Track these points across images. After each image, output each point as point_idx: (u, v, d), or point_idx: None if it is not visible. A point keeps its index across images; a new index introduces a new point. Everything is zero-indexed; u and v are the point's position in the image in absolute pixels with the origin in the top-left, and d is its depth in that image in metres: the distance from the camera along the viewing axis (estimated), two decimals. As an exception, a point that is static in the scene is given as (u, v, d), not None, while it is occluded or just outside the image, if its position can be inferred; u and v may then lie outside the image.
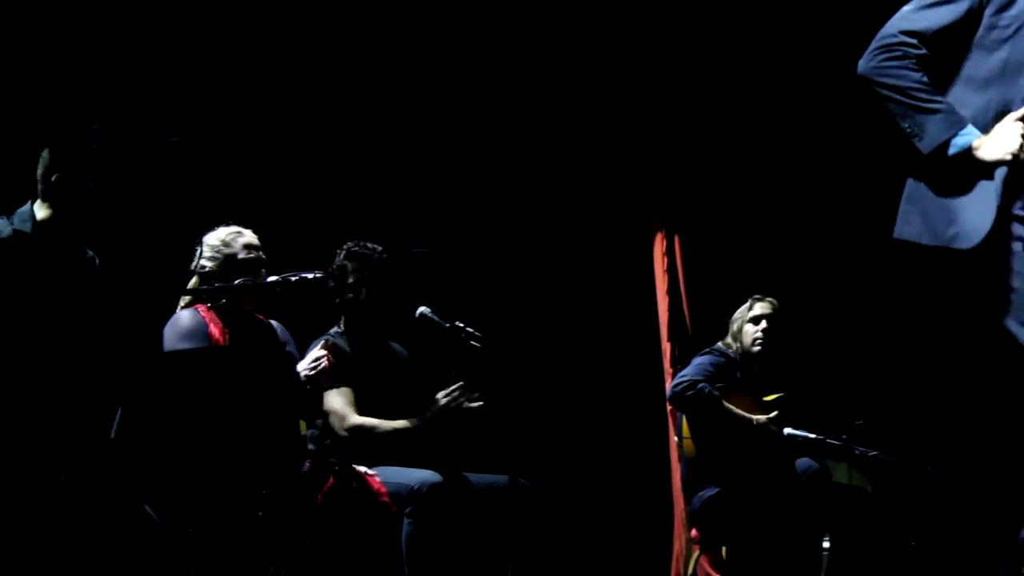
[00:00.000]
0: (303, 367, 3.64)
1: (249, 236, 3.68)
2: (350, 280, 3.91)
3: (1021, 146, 2.49)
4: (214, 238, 3.64)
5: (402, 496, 3.53)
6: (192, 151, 4.57)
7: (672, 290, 5.35)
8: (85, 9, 4.55)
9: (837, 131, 5.40)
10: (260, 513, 3.31)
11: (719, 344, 4.68)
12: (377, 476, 3.55)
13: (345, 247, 3.96)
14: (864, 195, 5.31)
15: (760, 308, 4.62)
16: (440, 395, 3.82)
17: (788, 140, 5.47)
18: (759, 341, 4.57)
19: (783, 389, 4.57)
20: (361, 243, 3.96)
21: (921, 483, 4.65)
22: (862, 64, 2.69)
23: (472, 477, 3.87)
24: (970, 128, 2.57)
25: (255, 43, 4.93)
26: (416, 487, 3.54)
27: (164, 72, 4.74)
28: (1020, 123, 2.51)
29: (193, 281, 3.67)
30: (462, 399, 3.81)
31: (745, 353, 4.62)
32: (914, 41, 2.62)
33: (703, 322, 5.17)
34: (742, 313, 4.67)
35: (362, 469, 3.55)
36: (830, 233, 5.45)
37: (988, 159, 2.53)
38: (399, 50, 5.16)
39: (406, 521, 3.52)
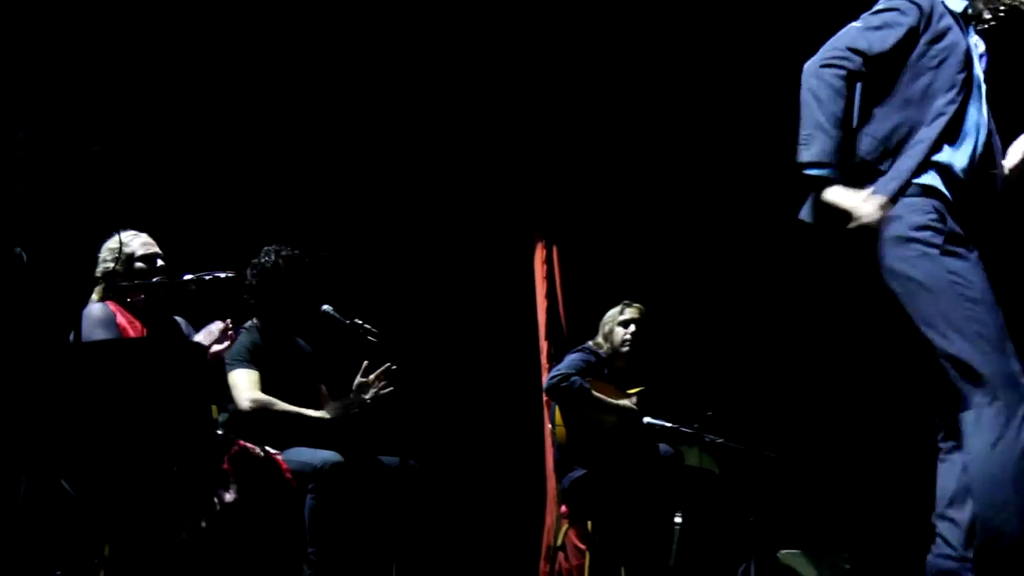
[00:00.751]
0: (202, 338, 3.66)
1: (145, 237, 3.70)
2: (279, 280, 3.91)
3: (857, 225, 2.53)
4: (113, 241, 3.65)
5: (306, 473, 3.57)
6: (111, 159, 4.58)
7: (550, 294, 5.43)
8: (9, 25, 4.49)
9: (693, 158, 5.56)
10: (171, 488, 3.22)
11: (590, 343, 4.74)
12: (280, 455, 3.55)
13: (273, 250, 3.95)
14: (714, 216, 5.57)
15: (630, 313, 4.69)
16: (342, 400, 3.89)
17: (652, 166, 5.59)
18: (627, 343, 4.65)
19: (644, 384, 4.66)
20: (286, 247, 3.96)
21: (760, 466, 4.73)
22: (807, 64, 2.73)
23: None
24: (834, 170, 2.61)
25: (160, 63, 4.87)
26: (319, 465, 3.59)
27: (85, 88, 4.68)
28: (879, 208, 2.52)
29: (99, 285, 3.67)
30: (359, 403, 3.87)
31: (614, 352, 4.68)
32: (857, 58, 2.67)
33: (576, 323, 5.24)
34: (613, 316, 4.73)
35: (269, 449, 3.53)
36: (688, 249, 5.60)
37: (830, 201, 2.59)
38: (289, 64, 5.13)
39: (309, 496, 3.56)
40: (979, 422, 2.50)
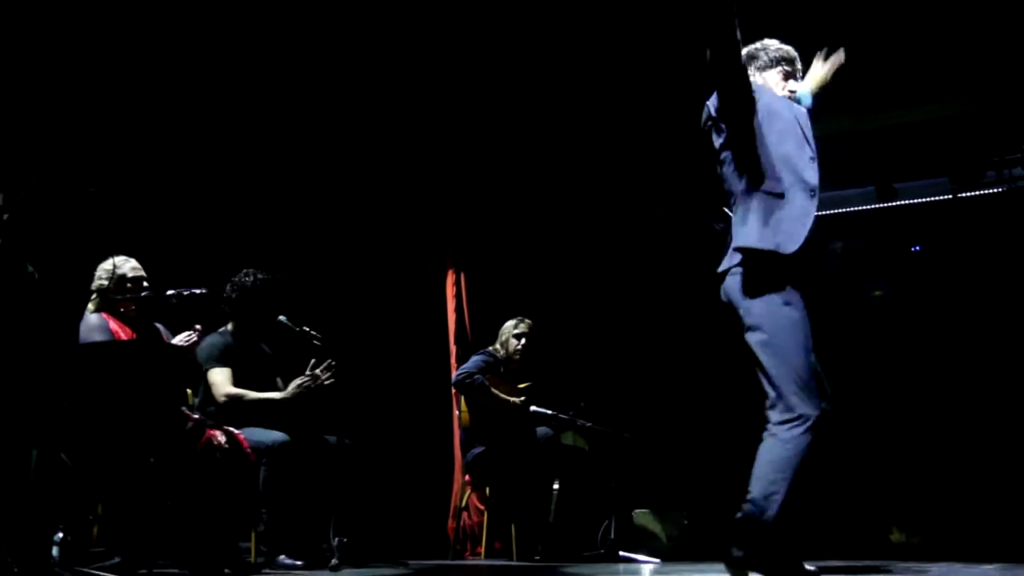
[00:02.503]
0: (179, 340, 3.75)
1: (133, 262, 3.78)
2: (254, 296, 3.99)
3: None
4: (108, 263, 3.70)
5: (260, 450, 3.71)
6: (104, 197, 4.58)
7: (458, 309, 5.56)
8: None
9: (582, 203, 5.71)
10: (151, 459, 3.33)
11: (489, 348, 4.91)
12: (242, 434, 3.66)
13: (251, 272, 4.02)
14: (584, 253, 5.73)
15: (522, 328, 4.85)
16: (296, 379, 3.97)
17: (537, 213, 5.72)
18: (519, 351, 4.83)
19: (531, 379, 4.83)
20: (259, 271, 4.04)
21: (620, 445, 4.90)
22: None
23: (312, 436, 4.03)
24: None
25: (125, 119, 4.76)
26: (271, 444, 3.74)
27: (81, 137, 4.56)
28: None
29: (93, 297, 3.71)
30: (312, 382, 3.96)
31: (508, 356, 4.84)
32: None
33: (479, 332, 5.35)
34: (509, 328, 4.87)
35: (232, 429, 3.65)
36: (566, 276, 5.76)
37: None
38: (224, 115, 5.02)
39: (263, 469, 3.71)
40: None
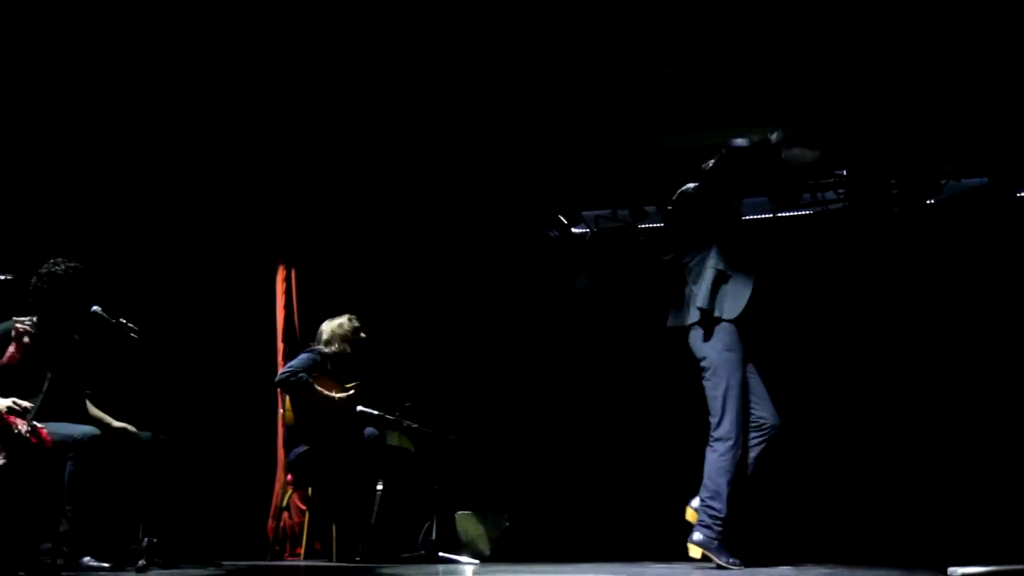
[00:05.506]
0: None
1: None
2: (65, 286, 3.89)
3: None
4: None
5: (67, 444, 3.61)
6: None
7: (287, 306, 5.61)
8: None
9: (414, 203, 5.89)
10: None
11: (317, 346, 4.89)
12: (45, 428, 3.48)
13: (62, 261, 3.90)
14: (410, 254, 5.95)
15: (356, 325, 4.91)
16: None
17: (379, 205, 5.88)
18: (351, 348, 4.88)
19: (358, 379, 4.88)
20: (70, 260, 3.94)
21: (445, 446, 5.08)
22: None
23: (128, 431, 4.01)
24: None
25: None
26: (79, 437, 3.66)
27: None
28: None
29: None
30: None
31: (338, 354, 4.85)
32: None
33: (308, 329, 5.33)
34: (345, 325, 4.87)
35: (35, 423, 3.44)
36: (391, 277, 5.94)
37: None
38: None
39: (69, 464, 3.61)
40: None
